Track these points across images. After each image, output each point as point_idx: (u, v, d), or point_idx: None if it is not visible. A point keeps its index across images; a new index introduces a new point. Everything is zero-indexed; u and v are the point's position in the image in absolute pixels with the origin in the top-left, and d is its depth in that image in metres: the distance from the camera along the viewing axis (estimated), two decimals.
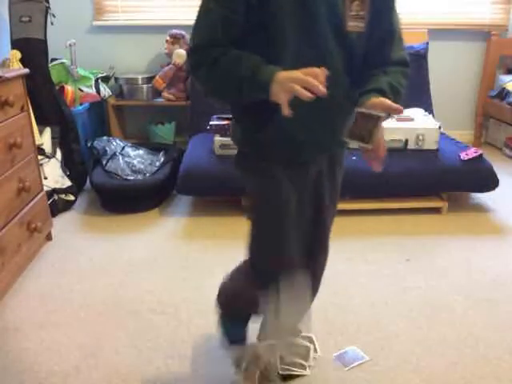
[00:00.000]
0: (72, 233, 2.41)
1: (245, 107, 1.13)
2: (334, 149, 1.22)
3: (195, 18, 1.04)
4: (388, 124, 2.98)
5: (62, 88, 2.97)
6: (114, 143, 2.97)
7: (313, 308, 1.79)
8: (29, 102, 2.12)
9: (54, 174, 2.60)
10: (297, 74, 0.93)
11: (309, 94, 0.90)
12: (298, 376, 1.47)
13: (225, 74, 1.01)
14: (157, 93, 3.39)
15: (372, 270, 2.07)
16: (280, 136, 1.10)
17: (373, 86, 1.05)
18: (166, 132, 3.49)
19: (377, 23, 1.08)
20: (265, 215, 1.21)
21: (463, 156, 2.56)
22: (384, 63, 1.11)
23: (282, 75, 0.95)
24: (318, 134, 1.12)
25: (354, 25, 1.05)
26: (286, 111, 0.94)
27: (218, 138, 2.55)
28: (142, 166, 2.80)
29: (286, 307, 1.22)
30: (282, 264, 1.22)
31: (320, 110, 1.04)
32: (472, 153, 2.57)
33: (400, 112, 0.99)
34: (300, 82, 0.91)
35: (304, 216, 1.23)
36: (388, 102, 0.99)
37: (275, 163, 1.15)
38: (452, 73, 3.79)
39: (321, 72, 0.92)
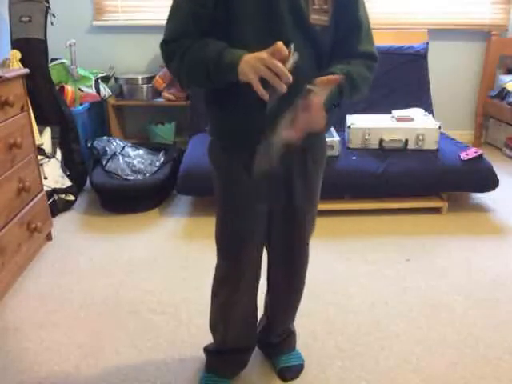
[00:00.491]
0: (72, 233, 2.41)
1: (212, 96, 1.15)
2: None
3: (168, 12, 1.09)
4: (388, 124, 2.99)
5: (62, 88, 2.97)
6: (114, 143, 2.97)
7: (313, 308, 1.80)
8: (29, 101, 2.12)
9: (54, 174, 2.60)
10: (263, 54, 0.94)
11: (276, 78, 0.92)
12: (297, 376, 1.47)
13: (193, 59, 1.03)
14: (157, 93, 3.39)
15: (372, 269, 2.07)
16: (240, 126, 1.12)
17: (328, 71, 1.05)
18: (166, 132, 3.49)
19: (342, 17, 1.09)
20: (222, 207, 1.26)
21: (463, 156, 2.56)
22: (350, 55, 1.11)
23: (249, 55, 0.97)
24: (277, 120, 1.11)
25: (318, 18, 1.06)
26: (260, 90, 0.95)
27: None
28: (142, 166, 2.80)
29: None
30: (232, 249, 1.28)
31: (286, 103, 1.03)
32: (472, 153, 2.57)
33: (334, 80, 1.00)
34: (267, 64, 0.92)
35: (264, 212, 1.23)
36: (324, 77, 1.00)
37: (237, 155, 1.16)
38: (452, 73, 3.79)
39: (286, 52, 0.93)
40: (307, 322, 1.71)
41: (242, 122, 1.12)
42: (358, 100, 1.16)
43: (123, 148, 2.95)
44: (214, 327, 1.44)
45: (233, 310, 1.35)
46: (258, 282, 1.36)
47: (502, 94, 3.52)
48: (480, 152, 2.58)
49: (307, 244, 1.36)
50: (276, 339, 1.49)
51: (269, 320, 1.49)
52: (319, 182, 1.29)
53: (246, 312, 1.38)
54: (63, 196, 2.62)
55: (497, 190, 2.55)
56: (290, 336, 1.52)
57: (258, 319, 1.51)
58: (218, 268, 1.34)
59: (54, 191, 2.56)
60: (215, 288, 1.37)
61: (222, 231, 1.29)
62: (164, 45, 1.08)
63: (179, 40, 1.05)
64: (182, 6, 1.06)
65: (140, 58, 3.60)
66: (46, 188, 2.33)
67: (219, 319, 1.40)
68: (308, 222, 1.31)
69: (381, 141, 2.64)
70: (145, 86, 3.36)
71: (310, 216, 1.30)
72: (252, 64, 0.95)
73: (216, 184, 1.26)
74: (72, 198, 2.66)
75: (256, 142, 1.11)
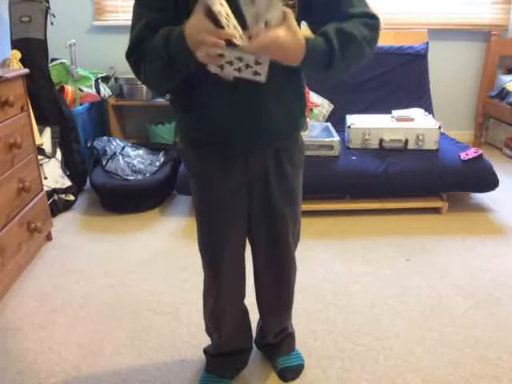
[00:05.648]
0: (72, 233, 2.41)
1: (177, 106, 1.13)
2: (268, 140, 1.13)
3: (130, 26, 1.05)
4: (388, 124, 3.00)
5: (62, 88, 2.97)
6: (114, 143, 2.97)
7: (313, 308, 1.80)
8: (29, 102, 2.12)
9: (54, 174, 2.60)
10: (203, 35, 0.85)
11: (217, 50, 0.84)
12: (297, 376, 1.47)
13: (151, 54, 0.98)
14: None
15: (372, 269, 2.07)
16: (206, 135, 1.11)
17: (318, 32, 0.95)
18: (166, 132, 3.49)
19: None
20: (199, 214, 1.28)
21: (463, 156, 2.56)
22: (343, 20, 0.98)
23: (188, 27, 0.89)
24: (246, 123, 1.08)
25: None
26: (207, 60, 0.87)
27: None
28: (142, 166, 2.80)
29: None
30: (212, 256, 1.29)
31: (249, 97, 1.02)
32: (472, 153, 2.57)
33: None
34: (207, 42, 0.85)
35: (242, 217, 1.23)
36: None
37: (209, 161, 1.16)
38: (452, 73, 3.79)
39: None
40: (307, 321, 1.71)
41: (207, 130, 1.11)
42: (359, 62, 1.02)
43: (123, 148, 2.95)
44: (208, 332, 1.44)
45: (222, 316, 1.35)
46: (243, 286, 1.35)
47: (502, 94, 3.52)
48: (480, 152, 2.58)
49: (291, 248, 1.32)
50: (274, 340, 1.49)
51: (262, 322, 1.49)
52: (299, 184, 1.26)
53: (235, 317, 1.38)
54: (63, 196, 2.62)
55: (497, 189, 2.55)
56: (288, 337, 1.52)
57: (257, 319, 1.51)
58: (204, 277, 1.35)
59: (54, 191, 2.56)
60: (204, 297, 1.38)
61: (201, 237, 1.28)
62: (128, 56, 1.04)
63: (139, 45, 1.01)
64: (141, 15, 1.02)
65: None
66: (46, 188, 2.33)
67: (211, 326, 1.40)
68: (289, 226, 1.26)
69: (381, 141, 2.65)
70: (145, 86, 3.36)
71: (292, 218, 1.26)
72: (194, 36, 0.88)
73: (192, 189, 1.25)
74: (72, 198, 2.66)
75: (223, 148, 1.12)
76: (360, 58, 1.01)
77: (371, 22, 1.00)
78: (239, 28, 0.86)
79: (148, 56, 0.99)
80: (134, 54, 1.03)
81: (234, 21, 0.85)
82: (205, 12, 0.85)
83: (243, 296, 1.38)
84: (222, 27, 0.84)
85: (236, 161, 1.15)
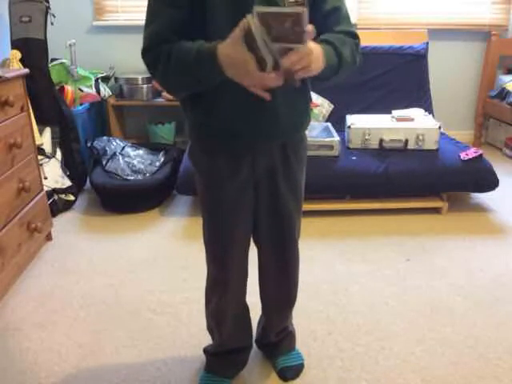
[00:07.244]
0: (72, 233, 2.41)
1: (189, 101, 1.14)
2: (276, 136, 1.15)
3: (145, 19, 1.05)
4: (388, 124, 3.00)
5: (62, 88, 2.97)
6: (114, 143, 2.97)
7: (313, 308, 1.80)
8: (29, 101, 2.12)
9: (54, 174, 2.60)
10: (248, 69, 0.90)
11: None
12: (297, 376, 1.48)
13: (177, 64, 1.00)
14: (157, 93, 3.39)
15: (372, 269, 2.07)
16: (216, 127, 1.12)
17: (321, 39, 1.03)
18: (166, 132, 3.49)
19: (316, 5, 1.06)
20: (206, 212, 1.27)
21: (463, 156, 2.56)
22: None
23: (224, 52, 0.93)
24: (254, 120, 1.10)
25: None
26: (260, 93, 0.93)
27: None
28: (142, 166, 2.80)
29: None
30: (217, 254, 1.28)
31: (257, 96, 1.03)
32: (472, 153, 2.57)
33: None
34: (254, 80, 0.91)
35: (249, 213, 1.24)
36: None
37: (218, 157, 1.16)
38: (452, 73, 3.79)
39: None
40: (307, 321, 1.71)
41: (216, 127, 1.12)
42: (345, 77, 1.11)
43: (123, 148, 2.95)
44: (209, 330, 1.45)
45: (224, 314, 1.36)
46: (245, 284, 1.36)
47: (502, 94, 3.52)
48: (480, 152, 2.58)
49: (296, 242, 1.35)
50: (275, 338, 1.49)
51: (265, 319, 1.49)
52: (303, 180, 1.29)
53: (237, 314, 1.39)
54: (63, 196, 2.62)
55: (497, 189, 2.55)
56: (288, 336, 1.52)
57: (257, 319, 1.52)
58: (208, 274, 1.35)
59: (54, 191, 2.56)
60: (207, 294, 1.38)
61: (208, 234, 1.28)
62: (145, 52, 1.05)
63: (160, 46, 1.02)
64: (160, 11, 1.03)
65: (140, 58, 3.57)
66: (46, 188, 2.33)
67: (213, 324, 1.41)
68: (295, 220, 1.29)
69: (381, 141, 2.65)
70: (145, 85, 3.36)
71: (297, 214, 1.29)
72: (240, 75, 0.93)
73: (199, 187, 1.26)
74: (72, 198, 2.66)
75: (231, 145, 1.13)
76: (350, 71, 1.11)
77: (354, 41, 1.11)
78: (270, 55, 0.89)
79: (172, 64, 1.00)
80: (156, 51, 1.03)
81: (268, 47, 0.89)
82: (243, 37, 0.88)
83: (245, 293, 1.39)
84: (257, 50, 0.88)
85: (243, 158, 1.16)
